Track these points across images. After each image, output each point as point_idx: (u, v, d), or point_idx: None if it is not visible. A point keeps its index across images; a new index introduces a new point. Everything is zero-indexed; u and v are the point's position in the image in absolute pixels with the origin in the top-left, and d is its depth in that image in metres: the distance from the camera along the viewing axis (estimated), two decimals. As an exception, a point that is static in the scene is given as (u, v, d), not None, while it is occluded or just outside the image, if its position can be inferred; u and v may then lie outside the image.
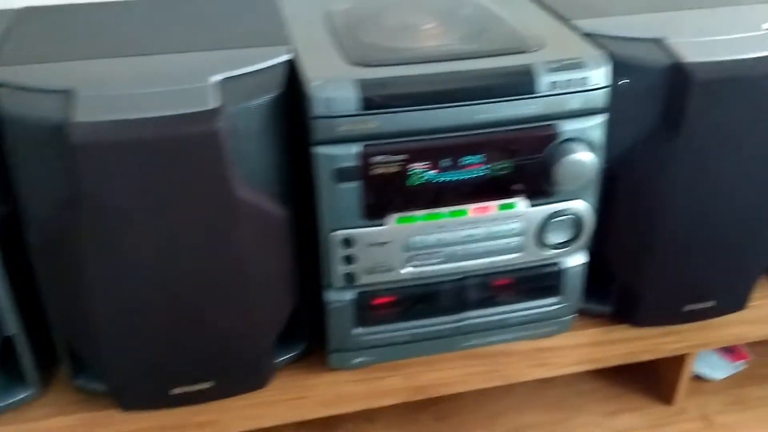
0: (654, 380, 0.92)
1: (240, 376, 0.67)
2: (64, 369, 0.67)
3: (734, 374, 0.95)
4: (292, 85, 0.60)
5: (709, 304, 0.75)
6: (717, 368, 0.95)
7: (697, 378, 0.93)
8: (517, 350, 0.77)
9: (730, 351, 0.97)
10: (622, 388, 0.93)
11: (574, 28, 0.67)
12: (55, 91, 0.56)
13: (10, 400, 0.66)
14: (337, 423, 0.86)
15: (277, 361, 0.70)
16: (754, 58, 0.63)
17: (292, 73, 0.61)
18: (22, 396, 0.66)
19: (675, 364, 0.87)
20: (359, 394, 0.74)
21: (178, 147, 0.54)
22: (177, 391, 0.65)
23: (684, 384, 0.88)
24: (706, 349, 0.85)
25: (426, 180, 0.61)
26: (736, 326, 0.82)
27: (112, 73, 0.59)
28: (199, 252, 0.58)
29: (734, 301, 0.77)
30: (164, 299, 0.60)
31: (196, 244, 0.58)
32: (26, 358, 0.65)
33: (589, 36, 0.66)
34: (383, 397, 0.75)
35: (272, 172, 0.61)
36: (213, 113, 0.55)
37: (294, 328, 0.71)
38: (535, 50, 0.62)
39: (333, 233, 0.62)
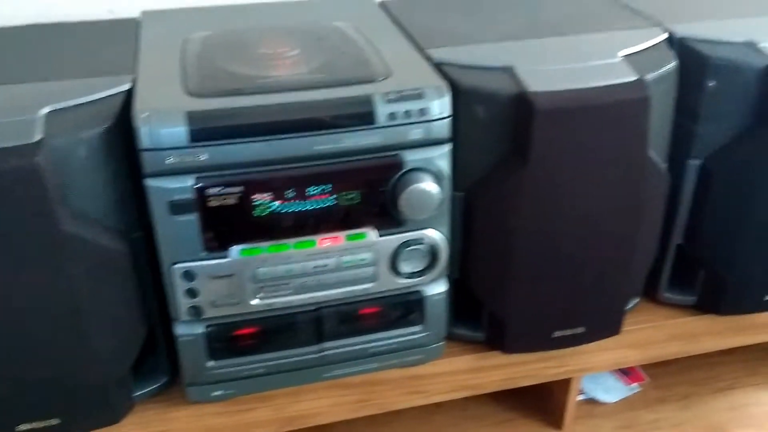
0: (544, 405, 0.91)
1: (89, 412, 0.65)
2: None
3: (628, 397, 0.95)
4: (128, 116, 0.59)
5: (579, 330, 0.75)
6: (611, 391, 0.95)
7: (591, 401, 0.93)
8: (389, 378, 0.76)
9: (627, 373, 0.97)
10: (514, 412, 0.92)
11: (428, 58, 0.67)
12: None
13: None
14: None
15: (135, 394, 0.69)
16: (599, 87, 0.63)
17: (129, 103, 0.60)
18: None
19: (563, 388, 0.87)
20: (226, 426, 0.72)
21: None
22: (22, 427, 0.63)
23: (571, 409, 0.88)
24: (588, 373, 0.85)
25: (271, 211, 0.60)
26: (615, 351, 0.82)
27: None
28: (33, 286, 0.57)
29: (606, 326, 0.77)
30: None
31: (27, 280, 0.57)
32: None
33: (441, 65, 0.66)
34: (252, 429, 0.73)
35: (110, 205, 0.60)
36: (34, 146, 0.53)
37: (154, 361, 0.69)
38: (381, 80, 0.62)
39: (174, 266, 0.60)
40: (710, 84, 0.69)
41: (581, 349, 0.79)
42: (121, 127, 0.58)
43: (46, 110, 0.57)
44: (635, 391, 0.95)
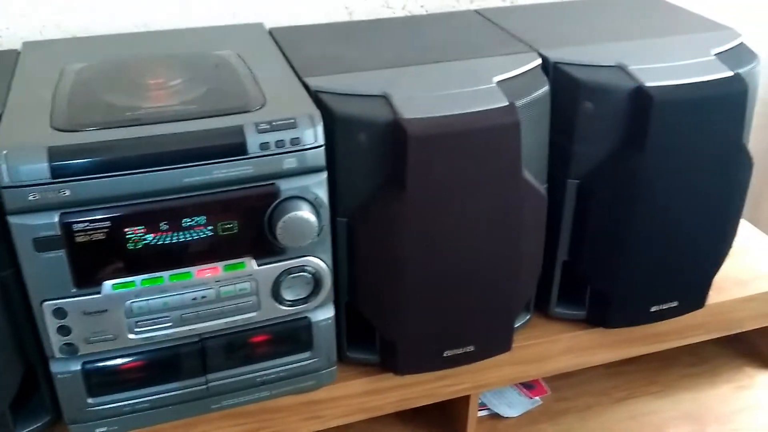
0: (448, 421, 0.92)
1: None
2: None
3: (530, 410, 0.96)
4: None
5: (470, 348, 0.76)
6: (514, 405, 0.96)
7: (494, 416, 0.95)
8: (285, 405, 0.76)
9: (530, 387, 0.99)
10: (420, 430, 0.93)
11: (305, 86, 0.68)
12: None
13: None
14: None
15: (16, 434, 0.67)
16: (471, 113, 0.64)
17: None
18: None
19: (463, 405, 0.88)
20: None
21: None
22: None
23: (473, 424, 0.89)
24: (485, 390, 0.86)
25: (145, 244, 0.60)
26: (510, 367, 0.83)
27: None
28: None
29: (497, 343, 0.78)
30: None
31: None
32: None
33: (317, 93, 0.66)
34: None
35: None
36: None
37: (36, 399, 0.67)
38: (256, 110, 0.62)
39: (44, 303, 0.59)
40: (586, 105, 0.72)
41: (476, 366, 0.81)
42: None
43: None
44: (538, 404, 0.97)
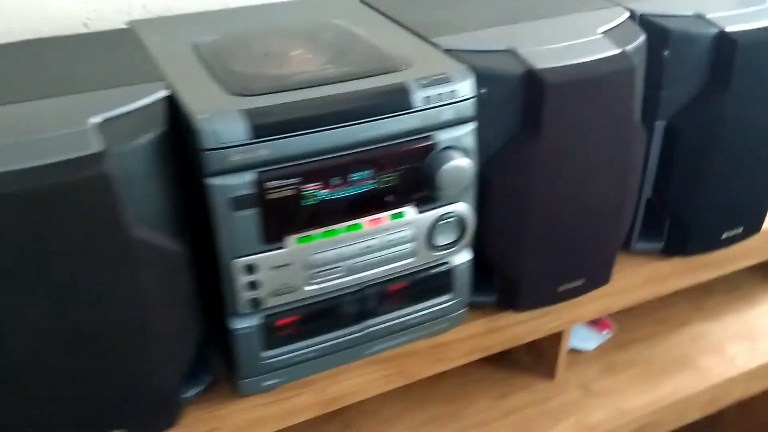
0: (536, 359, 0.99)
1: (150, 419, 0.66)
2: None
3: (603, 343, 1.05)
4: (174, 121, 0.60)
5: (579, 282, 0.83)
6: (587, 340, 1.04)
7: (572, 351, 1.02)
8: (414, 350, 0.81)
9: (596, 323, 1.07)
10: (508, 371, 1.00)
11: (435, 45, 0.72)
12: None
13: None
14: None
15: (185, 396, 0.69)
16: (593, 61, 0.71)
17: (172, 108, 0.61)
18: None
19: (553, 341, 0.95)
20: (272, 415, 0.75)
21: (65, 194, 0.53)
22: (88, 441, 0.63)
23: (563, 359, 0.97)
24: (578, 323, 0.94)
25: (320, 199, 0.63)
26: (601, 300, 0.91)
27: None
28: (99, 300, 0.57)
29: (600, 277, 0.85)
30: (57, 352, 0.58)
31: (96, 293, 0.57)
32: None
33: (449, 51, 0.71)
34: (297, 415, 0.76)
35: (164, 208, 0.61)
36: (98, 156, 0.54)
37: (199, 361, 0.70)
38: (404, 69, 0.67)
39: (234, 261, 0.62)
40: (665, 53, 0.79)
41: (574, 302, 0.88)
42: (169, 132, 0.60)
43: (97, 120, 0.57)
44: (607, 337, 1.06)
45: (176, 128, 0.60)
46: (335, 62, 0.69)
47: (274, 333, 0.68)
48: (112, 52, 0.72)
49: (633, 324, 1.08)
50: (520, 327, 0.87)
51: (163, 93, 0.62)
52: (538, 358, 0.99)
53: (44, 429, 0.60)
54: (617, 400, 0.96)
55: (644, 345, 1.05)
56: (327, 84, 0.64)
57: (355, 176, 0.64)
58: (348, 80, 0.64)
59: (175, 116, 0.61)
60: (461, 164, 0.67)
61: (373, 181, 0.65)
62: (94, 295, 0.56)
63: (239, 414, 0.73)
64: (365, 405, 0.91)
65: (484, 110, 0.69)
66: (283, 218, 0.63)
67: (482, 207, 0.74)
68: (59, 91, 0.62)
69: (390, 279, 0.71)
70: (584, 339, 1.04)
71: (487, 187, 0.73)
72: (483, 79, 0.68)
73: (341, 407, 0.80)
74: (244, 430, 0.74)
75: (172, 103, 0.62)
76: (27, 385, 0.58)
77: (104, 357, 0.60)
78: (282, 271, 0.64)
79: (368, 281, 0.70)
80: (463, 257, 0.75)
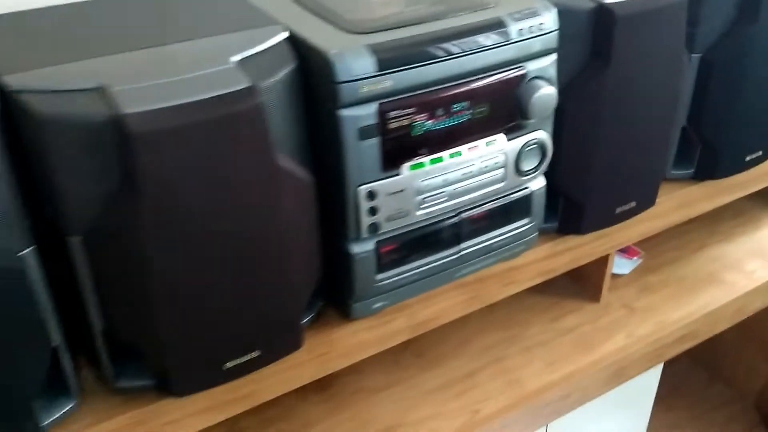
0: (580, 285, 1.07)
1: (282, 341, 0.71)
2: (92, 376, 0.68)
3: (635, 268, 1.13)
4: (300, 58, 0.65)
5: (632, 204, 0.91)
6: (622, 266, 1.13)
7: (612, 276, 1.11)
8: (489, 275, 0.87)
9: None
10: (555, 297, 1.07)
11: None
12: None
13: (57, 414, 0.64)
14: (330, 381, 0.91)
15: (303, 321, 0.75)
16: (655, -5, 0.78)
17: (295, 48, 0.66)
18: (67, 407, 0.65)
19: (598, 266, 1.03)
20: (373, 339, 0.80)
21: (224, 126, 0.57)
22: (230, 365, 0.67)
23: (607, 282, 1.05)
24: (624, 245, 1.02)
25: (428, 129, 0.69)
26: (644, 223, 0.99)
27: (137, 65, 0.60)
28: (248, 225, 0.62)
29: (648, 200, 0.94)
30: (218, 276, 0.62)
31: (246, 218, 0.61)
32: (69, 368, 0.64)
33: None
34: (392, 338, 0.82)
35: (296, 140, 0.65)
36: (250, 91, 0.58)
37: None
38: (493, 6, 0.72)
39: (359, 188, 0.68)
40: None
41: (622, 226, 0.96)
42: (299, 69, 0.64)
43: (237, 58, 0.61)
44: (639, 262, 1.14)
45: (301, 66, 0.65)
46: (424, 2, 0.74)
47: (386, 257, 0.73)
48: (217, 4, 0.75)
49: (657, 250, 1.17)
50: (578, 251, 0.94)
51: (285, 34, 0.66)
52: (583, 284, 1.07)
53: (202, 348, 0.65)
54: (658, 316, 1.05)
55: (672, 267, 1.14)
56: (430, 21, 0.69)
57: (457, 107, 0.70)
58: (448, 17, 0.70)
59: (298, 55, 0.65)
60: (548, 93, 0.73)
61: (471, 111, 0.71)
62: (250, 220, 0.61)
63: (347, 338, 0.78)
64: (433, 335, 0.98)
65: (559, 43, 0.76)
66: (399, 147, 0.68)
67: (554, 135, 0.81)
68: (193, 35, 0.65)
69: (483, 203, 0.77)
70: (619, 265, 1.13)
71: (558, 117, 0.80)
72: (558, 13, 0.75)
73: (413, 337, 0.86)
74: (350, 353, 0.79)
75: (294, 44, 0.66)
76: (188, 306, 0.62)
77: (255, 280, 0.64)
78: (397, 197, 0.70)
79: (465, 206, 0.76)
80: (540, 183, 0.81)
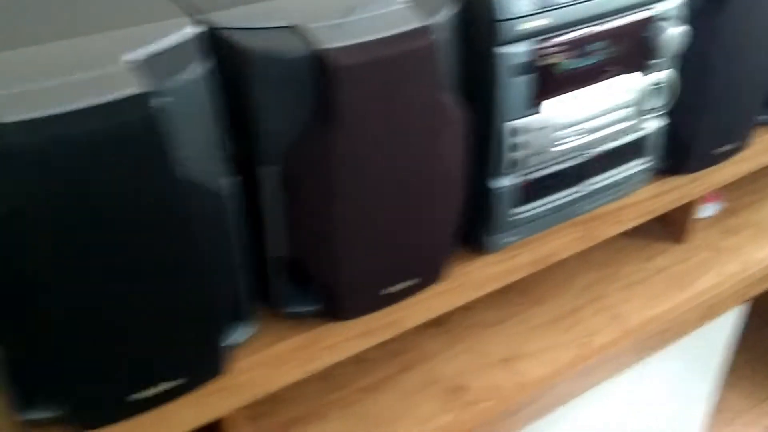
0: (666, 229, 1.12)
1: (433, 270, 0.75)
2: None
3: (717, 211, 1.18)
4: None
5: (731, 146, 0.95)
6: (704, 210, 1.17)
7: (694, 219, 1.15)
8: (600, 213, 0.91)
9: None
10: (644, 240, 1.12)
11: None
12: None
13: (234, 338, 0.69)
14: (444, 317, 0.96)
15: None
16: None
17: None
18: (244, 331, 0.69)
19: (683, 210, 1.07)
20: (500, 272, 0.85)
21: (405, 61, 0.61)
22: (387, 291, 0.72)
23: (691, 224, 1.09)
24: (719, 186, 1.06)
25: (569, 67, 0.73)
26: (732, 166, 1.02)
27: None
28: (416, 157, 0.66)
29: (742, 142, 0.98)
30: (388, 204, 0.66)
31: (416, 149, 0.65)
32: (246, 294, 0.68)
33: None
34: (516, 272, 0.87)
35: (455, 77, 0.69)
36: (425, 29, 0.62)
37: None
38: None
39: (506, 124, 0.72)
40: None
41: (713, 169, 1.00)
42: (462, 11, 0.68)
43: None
44: (719, 207, 1.19)
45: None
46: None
47: (521, 193, 0.78)
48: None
49: (734, 194, 1.22)
50: (677, 192, 0.98)
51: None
52: (669, 227, 1.12)
53: (368, 275, 0.69)
54: (743, 255, 1.09)
55: (750, 210, 1.19)
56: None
57: (596, 45, 0.74)
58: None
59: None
60: (677, 32, 0.77)
61: (607, 50, 0.75)
62: (419, 151, 0.65)
63: (478, 271, 0.83)
64: (537, 275, 1.02)
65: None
66: (544, 85, 0.72)
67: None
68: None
69: (610, 141, 0.81)
70: (702, 210, 1.17)
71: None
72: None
73: (518, 279, 0.90)
74: (481, 284, 0.84)
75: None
76: (363, 233, 0.66)
77: (417, 210, 0.69)
78: (537, 134, 0.74)
79: (595, 143, 0.80)
80: (660, 122, 0.85)
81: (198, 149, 0.56)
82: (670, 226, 1.12)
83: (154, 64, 0.53)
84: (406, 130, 0.64)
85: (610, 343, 0.95)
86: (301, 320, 0.73)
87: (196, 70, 0.55)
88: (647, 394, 1.23)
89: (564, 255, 0.91)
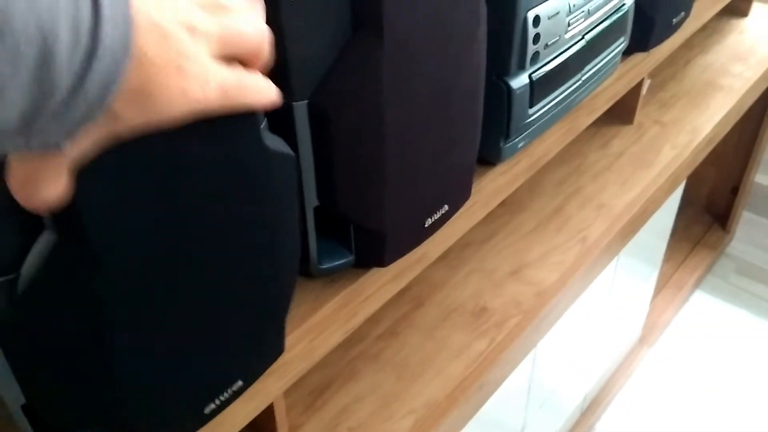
0: (614, 112, 1.11)
1: (462, 192, 0.67)
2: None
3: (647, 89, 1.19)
4: None
5: (684, 14, 0.94)
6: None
7: (630, 100, 1.15)
8: (578, 106, 0.88)
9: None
10: (593, 127, 1.10)
11: None
12: None
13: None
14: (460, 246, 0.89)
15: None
16: None
17: None
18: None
19: (635, 89, 1.06)
20: (504, 184, 0.79)
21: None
22: (430, 220, 0.64)
23: (640, 104, 1.09)
24: (661, 61, 1.06)
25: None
26: (676, 36, 1.03)
27: None
28: (458, 66, 0.57)
29: (689, 10, 0.97)
30: (429, 130, 0.57)
31: (457, 59, 0.56)
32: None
33: None
34: (517, 180, 0.81)
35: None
36: None
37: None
38: None
39: (528, 12, 0.64)
40: None
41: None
42: None
43: None
44: (649, 81, 1.20)
45: None
46: None
47: (537, 89, 0.71)
48: None
49: (654, 70, 1.23)
50: (636, 69, 0.97)
51: None
52: (616, 109, 1.11)
53: (411, 208, 0.60)
54: (688, 124, 1.11)
55: (674, 81, 1.21)
56: None
57: None
58: None
59: None
60: None
61: None
62: (458, 65, 0.56)
63: (487, 186, 0.76)
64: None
65: None
66: (559, -37, 0.65)
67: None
68: None
69: (602, 21, 0.76)
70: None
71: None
72: None
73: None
74: (491, 197, 0.77)
75: None
76: (407, 164, 0.57)
77: (454, 129, 0.60)
78: (553, 20, 0.67)
79: (593, 24, 0.74)
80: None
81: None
82: (618, 108, 1.11)
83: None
84: (449, 36, 0.54)
85: (604, 234, 0.94)
86: (333, 279, 0.63)
87: None
88: (620, 279, 1.26)
89: (556, 151, 0.87)
